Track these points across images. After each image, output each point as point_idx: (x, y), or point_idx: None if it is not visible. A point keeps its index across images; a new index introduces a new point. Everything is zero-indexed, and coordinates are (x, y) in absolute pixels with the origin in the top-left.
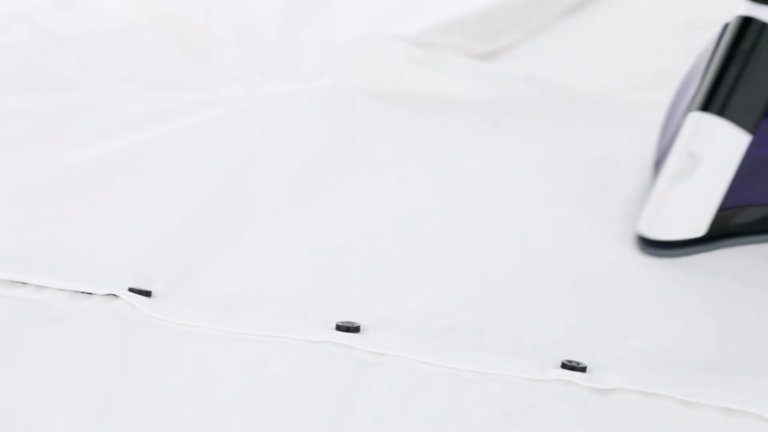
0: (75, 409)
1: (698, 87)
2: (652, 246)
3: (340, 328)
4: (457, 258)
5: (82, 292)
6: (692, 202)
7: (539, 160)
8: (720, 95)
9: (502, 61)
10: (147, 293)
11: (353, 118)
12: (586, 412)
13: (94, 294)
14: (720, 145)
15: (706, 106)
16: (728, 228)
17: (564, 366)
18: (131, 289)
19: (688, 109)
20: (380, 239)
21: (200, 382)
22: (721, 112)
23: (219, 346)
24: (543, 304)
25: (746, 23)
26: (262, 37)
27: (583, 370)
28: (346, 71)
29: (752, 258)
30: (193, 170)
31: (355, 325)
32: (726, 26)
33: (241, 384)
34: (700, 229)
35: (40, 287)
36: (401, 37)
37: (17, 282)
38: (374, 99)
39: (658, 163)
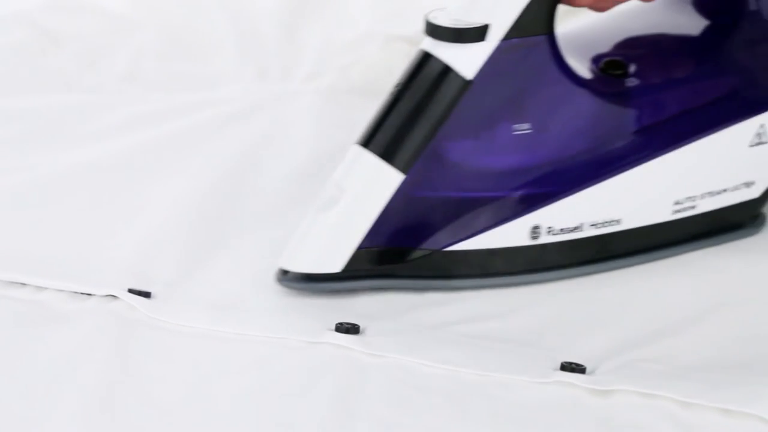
0: (75, 409)
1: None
2: (288, 278)
3: (339, 329)
4: None
5: (81, 293)
6: (328, 235)
7: None
8: (378, 131)
9: None
10: (146, 294)
11: (353, 118)
12: (585, 413)
13: (94, 295)
14: (366, 181)
15: (365, 141)
16: (372, 269)
17: (563, 367)
18: (131, 290)
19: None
20: None
21: (200, 382)
22: (376, 149)
23: (218, 346)
24: (542, 303)
25: (425, 59)
26: (262, 37)
27: (582, 371)
28: (345, 71)
29: (753, 258)
30: (192, 170)
31: (355, 326)
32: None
33: (241, 384)
34: (335, 265)
35: (39, 288)
36: (401, 37)
37: (17, 282)
38: (374, 99)
39: None
